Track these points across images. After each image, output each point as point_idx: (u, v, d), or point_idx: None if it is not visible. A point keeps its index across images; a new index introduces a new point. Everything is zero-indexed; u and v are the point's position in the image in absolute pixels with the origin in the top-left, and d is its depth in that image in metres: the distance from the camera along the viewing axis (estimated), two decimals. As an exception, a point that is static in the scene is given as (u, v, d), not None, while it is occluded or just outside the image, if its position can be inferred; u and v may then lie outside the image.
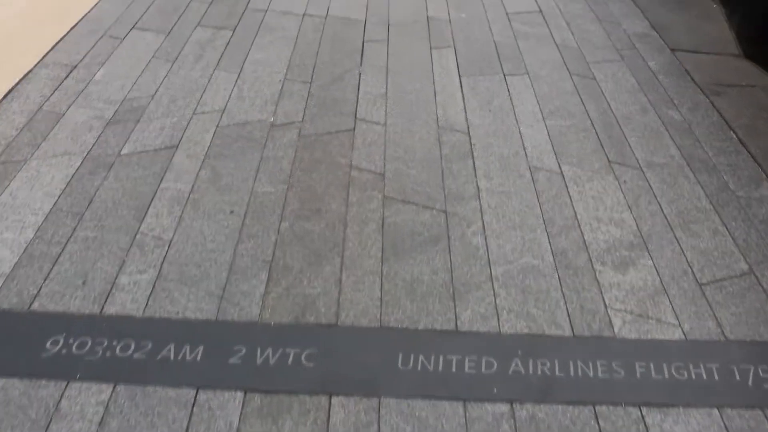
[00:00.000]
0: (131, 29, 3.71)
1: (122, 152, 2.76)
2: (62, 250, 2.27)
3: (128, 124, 2.92)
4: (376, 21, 3.84)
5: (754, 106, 3.39)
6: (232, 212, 2.46)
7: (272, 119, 2.96)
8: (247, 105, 3.06)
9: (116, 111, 3.01)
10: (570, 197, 2.64)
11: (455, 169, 2.73)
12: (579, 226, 2.51)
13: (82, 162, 2.69)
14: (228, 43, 3.56)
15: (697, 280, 2.33)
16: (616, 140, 2.99)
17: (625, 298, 2.24)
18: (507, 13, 4.06)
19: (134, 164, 2.69)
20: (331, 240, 2.36)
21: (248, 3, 4.01)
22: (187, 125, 2.92)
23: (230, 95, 3.13)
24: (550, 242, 2.42)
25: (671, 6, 4.43)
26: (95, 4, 3.98)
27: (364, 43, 3.59)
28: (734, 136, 3.12)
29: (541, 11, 4.13)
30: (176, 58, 3.43)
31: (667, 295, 2.26)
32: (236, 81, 3.24)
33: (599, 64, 3.59)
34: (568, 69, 3.51)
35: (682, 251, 2.44)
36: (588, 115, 3.15)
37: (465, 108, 3.11)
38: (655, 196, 2.69)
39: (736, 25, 4.14)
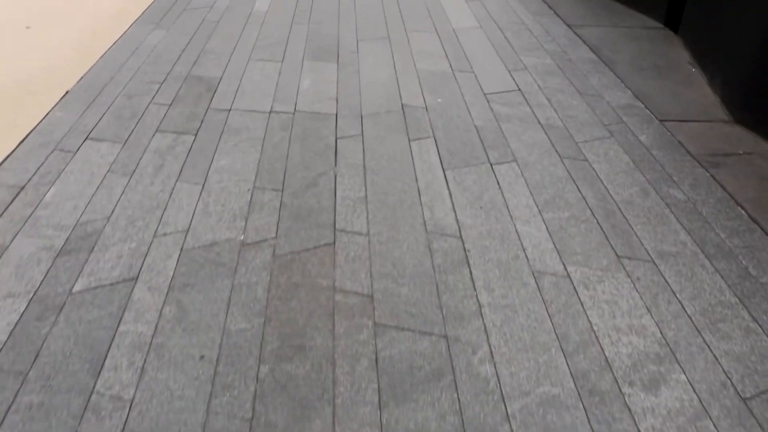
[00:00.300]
0: (85, 140, 3.41)
1: (74, 289, 2.41)
2: (1, 424, 1.90)
3: (81, 254, 2.58)
4: (347, 113, 3.59)
5: (756, 177, 3.17)
6: (202, 357, 2.12)
7: (242, 237, 2.65)
8: (214, 221, 2.75)
9: (68, 239, 2.68)
10: (582, 304, 2.33)
11: (451, 282, 2.42)
12: (597, 339, 2.19)
13: (27, 305, 2.34)
14: (190, 150, 3.27)
15: (739, 394, 2.03)
16: (620, 230, 2.72)
17: (663, 427, 1.92)
18: (485, 94, 3.83)
19: (88, 304, 2.34)
20: (319, 385, 2.02)
21: (210, 102, 3.74)
22: (148, 251, 2.59)
23: (194, 211, 2.82)
24: (568, 364, 2.10)
25: (650, 73, 4.26)
26: (46, 114, 3.69)
27: (337, 140, 3.32)
28: (743, 212, 2.87)
29: (519, 89, 3.91)
30: (134, 171, 3.12)
31: (710, 418, 1.95)
32: (200, 193, 2.93)
33: (589, 143, 3.35)
34: (557, 152, 3.26)
35: (716, 359, 2.14)
36: (586, 202, 2.88)
37: (454, 207, 2.83)
38: (674, 293, 2.39)
39: (720, 89, 3.96)
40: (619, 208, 2.86)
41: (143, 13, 5.32)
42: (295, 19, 5.10)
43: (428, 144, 3.31)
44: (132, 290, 2.41)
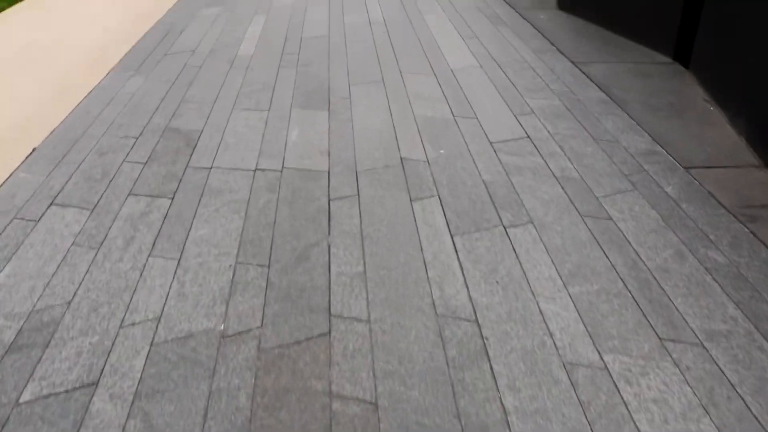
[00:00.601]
0: (49, 206, 3.03)
1: (21, 399, 2.02)
2: None
3: (34, 351, 2.19)
4: (341, 170, 3.21)
5: (800, 232, 2.80)
6: (171, 493, 1.71)
7: (222, 327, 2.26)
8: (190, 306, 2.35)
9: (20, 330, 2.29)
10: (626, 405, 1.94)
11: (469, 381, 2.03)
12: (649, 453, 1.80)
13: (-35, 423, 1.93)
14: (165, 217, 2.88)
15: None
16: (659, 305, 2.34)
17: None
18: (491, 143, 3.47)
19: (37, 419, 1.94)
20: None
21: (189, 159, 3.37)
22: (112, 346, 2.20)
23: (168, 293, 2.43)
24: (617, 489, 1.70)
25: (666, 113, 3.92)
26: (9, 175, 3.32)
27: (330, 202, 2.95)
28: (794, 277, 2.49)
29: (528, 136, 3.55)
30: (102, 243, 2.73)
31: None
32: (176, 271, 2.54)
33: (610, 197, 2.98)
34: (577, 209, 2.89)
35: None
36: (616, 271, 2.50)
37: (466, 282, 2.44)
38: (732, 387, 2.01)
39: (744, 129, 3.62)
40: (654, 277, 2.48)
41: (122, 58, 4.98)
42: (283, 62, 4.75)
43: (433, 204, 2.93)
44: (91, 399, 2.01)
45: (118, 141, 3.64)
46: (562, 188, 3.09)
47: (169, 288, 2.48)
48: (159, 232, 2.83)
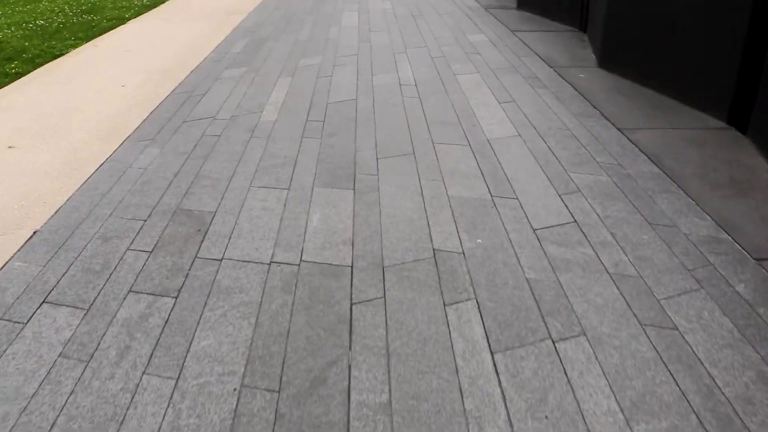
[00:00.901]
0: (41, 304, 2.72)
1: None
2: None
3: (-2, 504, 1.81)
4: (365, 264, 2.84)
5: None
6: None
7: (219, 477, 1.86)
8: (184, 446, 1.97)
9: (-13, 473, 1.91)
10: None
11: None
12: None
13: None
14: (166, 322, 2.53)
15: None
16: (746, 451, 1.89)
17: None
18: (534, 230, 3.07)
19: None
20: None
21: (198, 249, 3.04)
22: (88, 500, 1.81)
23: (161, 425, 2.04)
24: None
25: (728, 191, 3.50)
26: (4, 264, 3.02)
27: (353, 307, 2.57)
28: None
29: (575, 220, 3.15)
30: (92, 355, 2.40)
31: None
32: (172, 395, 2.18)
33: (673, 299, 2.56)
34: (636, 316, 2.47)
35: None
36: (687, 401, 2.08)
37: (509, 417, 2.04)
38: None
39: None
40: (736, 411, 2.05)
41: (139, 125, 4.71)
42: (306, 131, 4.44)
43: (469, 310, 2.54)
44: None
45: (124, 224, 3.32)
46: (618, 288, 2.68)
47: (162, 419, 2.11)
48: (157, 341, 2.47)
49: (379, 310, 2.57)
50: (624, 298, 2.63)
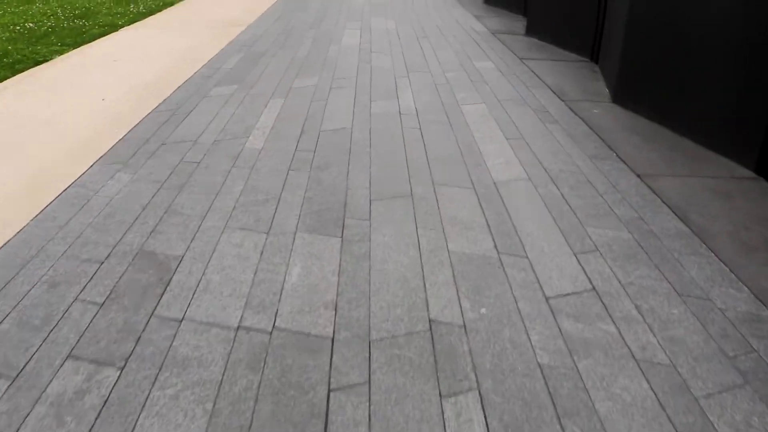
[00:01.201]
0: (-35, 366, 2.22)
1: None
2: None
3: None
4: (349, 336, 2.39)
5: None
6: None
7: None
8: None
9: None
10: None
11: None
12: None
13: None
14: (105, 403, 2.07)
15: None
16: None
17: None
18: (547, 299, 2.63)
19: None
20: None
21: (157, 304, 2.58)
22: None
23: None
24: None
25: (763, 253, 3.12)
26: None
27: (330, 395, 2.11)
28: None
29: (594, 287, 2.71)
30: (12, 443, 1.91)
31: None
32: None
33: (713, 398, 2.13)
34: (670, 420, 2.05)
35: None
36: None
37: None
38: None
39: None
40: None
41: (113, 147, 4.26)
42: (294, 162, 4.00)
43: (470, 405, 2.08)
44: None
45: (77, 267, 2.87)
46: (647, 381, 2.23)
47: None
48: (92, 427, 1.99)
49: (363, 400, 2.11)
50: (655, 395, 2.18)
